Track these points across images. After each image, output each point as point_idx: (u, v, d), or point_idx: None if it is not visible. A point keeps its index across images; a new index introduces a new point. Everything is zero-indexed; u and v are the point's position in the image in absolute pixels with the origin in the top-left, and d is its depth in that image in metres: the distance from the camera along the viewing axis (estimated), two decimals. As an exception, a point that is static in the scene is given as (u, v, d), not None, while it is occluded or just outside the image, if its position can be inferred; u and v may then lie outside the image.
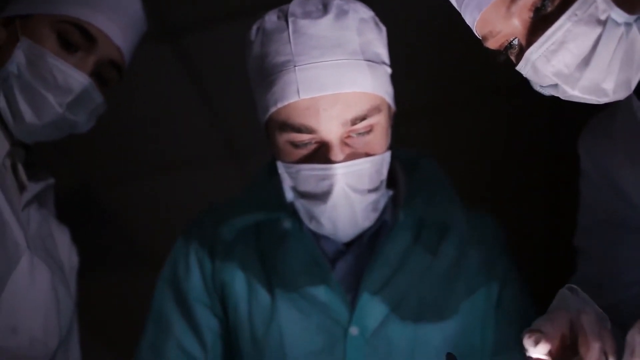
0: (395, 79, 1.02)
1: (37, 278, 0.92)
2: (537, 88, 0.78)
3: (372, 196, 1.00)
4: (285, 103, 0.96)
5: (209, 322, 1.07)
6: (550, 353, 0.70)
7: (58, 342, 0.96)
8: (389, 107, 1.02)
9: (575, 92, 0.74)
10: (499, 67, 0.81)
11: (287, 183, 1.03)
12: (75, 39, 0.93)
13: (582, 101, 0.76)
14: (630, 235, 0.97)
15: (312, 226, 1.04)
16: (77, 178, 1.47)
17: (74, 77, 0.93)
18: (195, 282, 1.08)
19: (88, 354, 1.17)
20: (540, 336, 0.70)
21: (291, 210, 1.07)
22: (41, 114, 0.93)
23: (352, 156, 0.97)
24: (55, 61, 0.92)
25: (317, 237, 1.07)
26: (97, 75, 0.97)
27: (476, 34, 0.81)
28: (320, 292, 1.03)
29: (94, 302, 1.38)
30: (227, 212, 1.11)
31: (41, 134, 0.96)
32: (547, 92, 0.77)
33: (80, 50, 0.94)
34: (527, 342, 0.70)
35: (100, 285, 1.38)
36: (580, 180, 1.03)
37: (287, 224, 1.08)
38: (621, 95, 0.74)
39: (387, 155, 1.02)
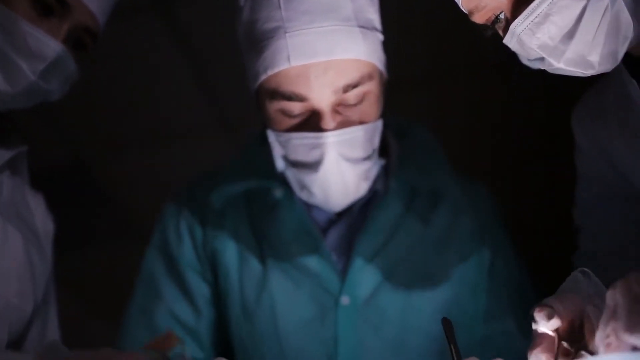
0: (389, 48, 1.01)
1: (10, 244, 0.91)
2: (525, 62, 0.78)
3: (364, 165, 0.99)
4: (276, 70, 0.94)
5: (200, 288, 1.06)
6: (557, 331, 0.69)
7: (33, 306, 0.96)
8: (382, 74, 1.01)
9: (560, 65, 0.74)
10: (492, 41, 0.80)
11: (277, 152, 1.02)
12: (50, 2, 0.91)
13: (568, 74, 0.76)
14: (627, 207, 0.97)
15: (303, 196, 1.03)
16: (68, 151, 1.46)
17: (48, 44, 0.91)
18: (186, 249, 1.07)
19: (82, 328, 1.17)
20: (552, 311, 0.69)
21: (282, 179, 1.06)
22: (13, 81, 0.91)
23: (344, 124, 0.96)
24: (29, 28, 0.90)
25: (309, 207, 1.06)
26: (71, 42, 0.95)
27: (462, 9, 0.80)
28: (312, 262, 1.03)
29: (86, 276, 1.38)
30: (218, 179, 1.10)
31: (12, 102, 0.94)
32: (535, 65, 0.77)
33: (54, 15, 0.92)
34: (539, 316, 0.69)
35: (92, 259, 1.38)
36: (575, 155, 1.03)
37: (278, 193, 1.06)
38: (607, 67, 0.74)
39: (379, 124, 1.00)
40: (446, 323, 0.79)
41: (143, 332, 1.03)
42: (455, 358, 0.75)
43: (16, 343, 0.95)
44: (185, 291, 1.05)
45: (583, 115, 0.99)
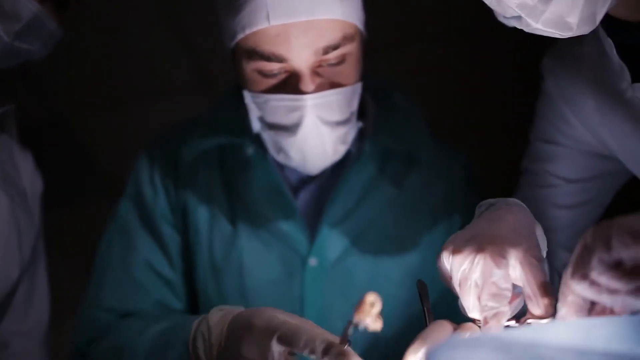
0: (369, 12, 0.99)
1: None
2: (501, 19, 0.76)
3: (343, 128, 0.98)
4: (254, 29, 0.92)
5: (174, 239, 1.05)
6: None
7: (20, 270, 0.95)
8: (362, 35, 0.99)
9: (538, 25, 0.73)
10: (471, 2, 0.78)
11: (254, 113, 1.01)
12: None
13: (545, 34, 0.75)
14: (582, 160, 0.96)
15: (279, 158, 1.02)
16: (46, 109, 1.44)
17: (24, 4, 0.88)
18: (159, 200, 1.06)
19: (63, 286, 1.16)
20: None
21: (255, 137, 1.05)
22: None
23: (323, 87, 0.94)
24: None
25: (281, 166, 1.05)
26: (53, 1, 0.92)
27: None
28: (281, 222, 1.02)
29: (65, 234, 1.38)
30: (190, 133, 1.08)
31: None
32: (510, 23, 0.75)
33: None
34: None
35: (71, 217, 1.37)
36: (538, 99, 1.02)
37: (250, 150, 1.05)
38: (585, 29, 0.73)
39: (359, 86, 0.99)
40: (421, 285, 0.80)
41: (120, 282, 1.02)
42: (428, 320, 0.76)
43: (2, 304, 0.95)
44: (160, 242, 1.04)
45: (555, 62, 0.98)
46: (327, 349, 0.67)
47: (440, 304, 0.96)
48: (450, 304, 1.05)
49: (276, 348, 0.70)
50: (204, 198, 1.05)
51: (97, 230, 1.10)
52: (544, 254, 0.75)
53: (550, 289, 0.68)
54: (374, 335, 0.99)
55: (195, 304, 1.06)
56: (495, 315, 0.68)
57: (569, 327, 0.59)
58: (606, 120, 0.89)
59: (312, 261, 1.01)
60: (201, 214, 1.04)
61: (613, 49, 0.82)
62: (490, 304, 0.68)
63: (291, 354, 0.73)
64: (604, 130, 0.91)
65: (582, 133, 0.94)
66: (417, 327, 0.75)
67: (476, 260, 0.70)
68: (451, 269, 0.73)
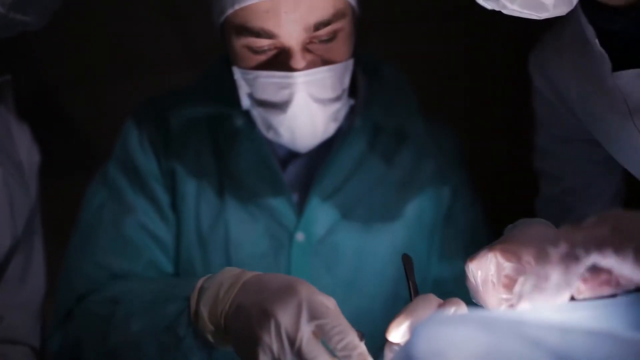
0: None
1: None
2: (480, 1, 0.75)
3: (334, 106, 0.98)
4: (244, 4, 0.91)
5: (165, 199, 1.04)
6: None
7: (12, 240, 0.95)
8: (354, 11, 0.98)
9: (514, 7, 0.73)
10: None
11: (243, 90, 1.00)
12: None
13: (522, 16, 0.75)
14: (586, 150, 0.98)
15: (269, 135, 1.02)
16: (36, 80, 1.43)
17: None
18: (149, 161, 1.04)
19: (50, 258, 1.16)
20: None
21: (245, 112, 1.04)
22: None
23: (314, 64, 0.94)
24: None
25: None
26: None
27: None
28: (269, 196, 1.02)
29: (52, 207, 1.38)
30: (179, 101, 1.07)
31: None
32: (489, 5, 0.75)
33: None
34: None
35: (57, 190, 1.37)
36: (533, 99, 1.03)
37: (239, 122, 1.04)
38: (562, 10, 0.73)
39: (350, 63, 0.99)
40: (406, 259, 0.81)
41: (111, 241, 1.01)
42: (412, 294, 0.77)
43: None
44: (154, 202, 1.03)
45: (540, 58, 0.99)
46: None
47: (422, 282, 0.98)
48: (431, 285, 1.07)
49: (309, 328, 0.66)
50: (193, 167, 1.04)
51: (80, 203, 1.09)
52: None
53: None
54: (359, 313, 1.01)
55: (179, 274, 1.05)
56: (511, 306, 0.69)
57: (553, 308, 0.60)
58: (588, 108, 0.90)
59: (299, 236, 1.02)
60: (189, 183, 1.03)
61: (594, 36, 0.82)
62: (505, 295, 0.70)
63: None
64: (588, 119, 0.91)
65: (574, 122, 0.95)
66: (402, 304, 0.75)
67: (488, 259, 0.72)
68: (474, 278, 0.75)
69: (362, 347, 0.67)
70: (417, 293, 0.76)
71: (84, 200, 1.07)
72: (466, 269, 0.76)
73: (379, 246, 1.04)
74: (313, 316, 0.66)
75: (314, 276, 1.02)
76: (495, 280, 0.72)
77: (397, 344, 0.67)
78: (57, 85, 1.48)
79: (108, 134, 1.14)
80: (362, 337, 0.71)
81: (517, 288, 0.67)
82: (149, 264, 1.01)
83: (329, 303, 0.69)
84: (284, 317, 0.66)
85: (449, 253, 1.06)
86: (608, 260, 0.55)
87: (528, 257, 0.70)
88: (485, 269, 0.73)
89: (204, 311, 0.74)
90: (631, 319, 0.59)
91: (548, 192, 1.07)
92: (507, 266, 0.71)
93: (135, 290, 0.89)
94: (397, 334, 0.67)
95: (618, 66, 0.81)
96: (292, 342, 0.65)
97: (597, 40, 0.82)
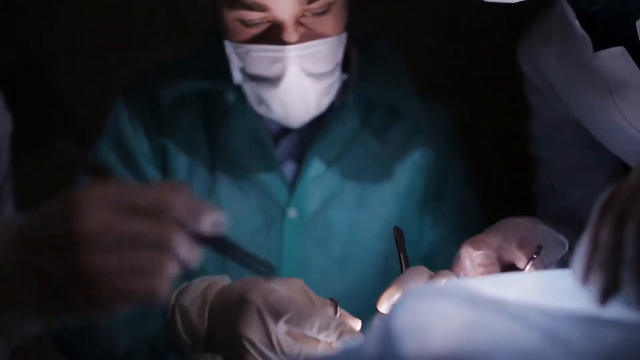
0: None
1: None
2: None
3: (327, 80, 0.97)
4: None
5: (157, 177, 1.04)
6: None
7: None
8: None
9: None
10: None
11: (235, 64, 0.99)
12: None
13: (499, 0, 0.74)
14: (578, 134, 0.98)
15: (261, 110, 1.01)
16: (19, 52, 1.41)
17: None
18: (141, 140, 1.04)
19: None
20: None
21: (236, 87, 1.03)
22: None
23: (307, 37, 0.93)
24: None
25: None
26: None
27: None
28: (261, 172, 1.02)
29: (39, 181, 1.37)
30: (169, 76, 1.06)
31: None
32: None
33: None
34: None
35: (42, 165, 1.36)
36: (524, 87, 1.04)
37: (230, 97, 1.03)
38: None
39: (344, 37, 0.98)
40: (398, 232, 0.82)
41: None
42: (404, 266, 0.78)
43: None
44: (143, 180, 1.03)
45: (528, 45, 0.99)
46: (342, 332, 0.68)
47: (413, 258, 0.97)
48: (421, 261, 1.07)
49: (282, 328, 0.68)
50: (184, 144, 1.03)
51: (67, 177, 1.08)
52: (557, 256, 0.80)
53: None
54: (350, 288, 1.01)
55: None
56: None
57: (535, 280, 0.60)
58: (573, 91, 0.90)
59: (292, 212, 1.02)
60: (180, 160, 1.03)
61: (574, 17, 0.82)
62: None
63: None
64: (573, 102, 0.91)
65: (564, 108, 0.95)
66: (394, 277, 0.76)
67: (462, 256, 0.77)
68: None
69: (335, 319, 0.68)
70: (408, 265, 0.79)
71: (75, 181, 1.06)
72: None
73: (371, 221, 1.04)
74: (276, 316, 0.68)
75: (306, 253, 1.02)
76: (472, 273, 0.76)
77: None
78: (47, 57, 1.47)
79: (97, 108, 1.13)
80: (336, 305, 0.72)
81: None
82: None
83: (289, 291, 0.71)
84: (252, 333, 0.68)
85: (441, 233, 1.07)
86: None
87: (497, 243, 0.76)
88: (463, 268, 0.77)
89: (184, 335, 0.75)
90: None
91: (543, 178, 1.07)
92: (478, 255, 0.76)
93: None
94: (388, 305, 0.70)
95: (601, 46, 0.81)
96: (273, 349, 0.68)
97: (577, 22, 0.82)
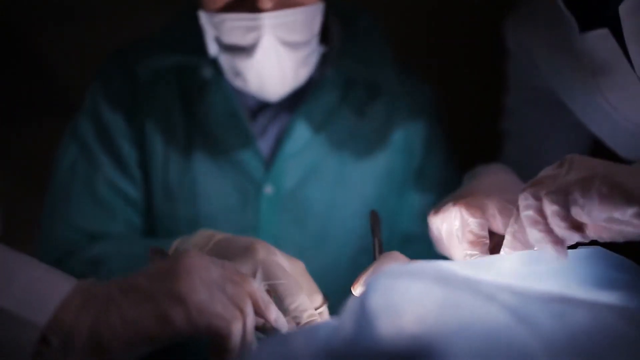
0: None
1: None
2: None
3: (303, 51, 0.96)
4: None
5: (133, 156, 1.04)
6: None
7: None
8: None
9: None
10: None
11: (210, 35, 0.98)
12: None
13: None
14: (554, 112, 0.99)
15: (237, 83, 1.00)
16: (7, 18, 1.38)
17: None
18: (118, 117, 1.04)
19: (15, 203, 1.14)
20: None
21: (212, 61, 1.02)
22: None
23: (282, 5, 0.92)
24: None
25: (240, 90, 1.03)
26: None
27: None
28: (237, 148, 1.02)
29: (14, 150, 1.35)
30: (146, 51, 1.05)
31: None
32: None
33: None
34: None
35: (22, 133, 1.35)
36: (506, 62, 1.05)
37: (207, 72, 1.03)
38: None
39: (320, 7, 0.97)
40: (373, 216, 0.82)
41: (86, 202, 1.02)
42: (377, 251, 0.78)
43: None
44: (121, 161, 1.03)
45: (514, 21, 1.00)
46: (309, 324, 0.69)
47: (391, 236, 0.99)
48: (400, 239, 1.09)
49: (262, 286, 0.70)
50: (161, 120, 1.03)
51: (45, 146, 1.08)
52: None
53: None
54: (326, 266, 1.02)
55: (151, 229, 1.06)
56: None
57: (509, 262, 0.62)
58: (557, 70, 0.91)
59: (268, 189, 1.02)
60: (157, 136, 1.03)
61: None
62: (470, 251, 0.71)
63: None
64: (556, 81, 0.92)
65: (544, 86, 0.96)
66: (369, 258, 0.77)
67: (453, 214, 0.74)
68: (438, 231, 0.77)
69: (312, 310, 0.70)
70: (382, 251, 0.78)
71: (56, 156, 1.07)
72: (429, 220, 0.78)
73: (349, 200, 1.05)
74: (267, 277, 0.70)
75: (282, 230, 1.03)
76: (459, 235, 0.73)
77: None
78: (23, 24, 1.44)
79: (81, 77, 1.12)
80: (325, 300, 0.73)
81: None
82: (123, 223, 1.03)
83: (289, 265, 0.73)
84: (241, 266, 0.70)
85: (421, 212, 1.07)
86: (577, 206, 0.55)
87: (493, 211, 0.72)
88: (450, 223, 0.75)
89: None
90: (584, 273, 0.61)
91: (510, 153, 1.08)
92: (472, 222, 0.72)
93: (114, 252, 0.92)
94: (362, 290, 0.70)
95: (586, 27, 0.82)
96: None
97: (562, 2, 0.82)
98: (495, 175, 0.83)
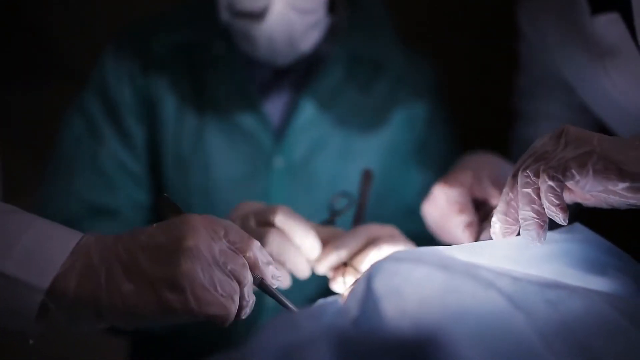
0: None
1: None
2: None
3: (312, 17, 0.98)
4: None
5: (140, 132, 1.08)
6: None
7: None
8: None
9: None
10: None
11: (222, 2, 0.99)
12: None
13: None
14: (564, 94, 1.01)
15: (247, 48, 1.02)
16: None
17: None
18: (126, 92, 1.07)
19: (11, 171, 1.17)
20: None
21: (225, 35, 1.05)
22: None
23: None
24: None
25: (250, 65, 1.06)
26: None
27: None
28: (247, 120, 1.06)
29: (12, 114, 1.37)
30: (160, 26, 1.08)
31: None
32: None
33: None
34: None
35: (21, 97, 1.36)
36: (519, 42, 1.06)
37: (219, 47, 1.06)
38: None
39: None
40: (366, 174, 0.86)
41: (90, 175, 1.05)
42: (358, 216, 0.84)
43: None
44: (126, 136, 1.07)
45: (528, 4, 1.01)
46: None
47: (395, 210, 1.01)
48: (404, 213, 1.12)
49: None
50: (172, 92, 1.07)
51: (43, 111, 1.09)
52: None
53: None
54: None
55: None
56: (468, 225, 0.78)
57: (506, 247, 0.65)
58: (567, 52, 0.92)
59: (278, 161, 1.06)
60: (168, 108, 1.07)
61: None
62: (460, 218, 0.79)
63: None
64: (565, 62, 0.94)
65: (553, 68, 0.98)
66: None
67: (437, 196, 0.81)
68: (432, 219, 0.85)
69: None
70: (363, 215, 0.84)
71: (60, 127, 1.09)
72: (422, 213, 0.86)
73: (353, 172, 1.08)
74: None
75: (291, 200, 1.06)
76: (447, 210, 0.80)
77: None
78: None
79: (75, 42, 1.13)
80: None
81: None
82: (125, 197, 1.06)
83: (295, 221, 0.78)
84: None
85: (425, 187, 1.10)
86: (572, 181, 0.59)
87: (470, 180, 0.80)
88: (438, 206, 0.82)
89: None
90: (577, 257, 0.64)
91: (520, 133, 1.11)
92: (452, 193, 0.80)
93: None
94: (323, 266, 0.78)
95: (598, 10, 0.83)
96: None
97: None
98: (481, 157, 0.87)
